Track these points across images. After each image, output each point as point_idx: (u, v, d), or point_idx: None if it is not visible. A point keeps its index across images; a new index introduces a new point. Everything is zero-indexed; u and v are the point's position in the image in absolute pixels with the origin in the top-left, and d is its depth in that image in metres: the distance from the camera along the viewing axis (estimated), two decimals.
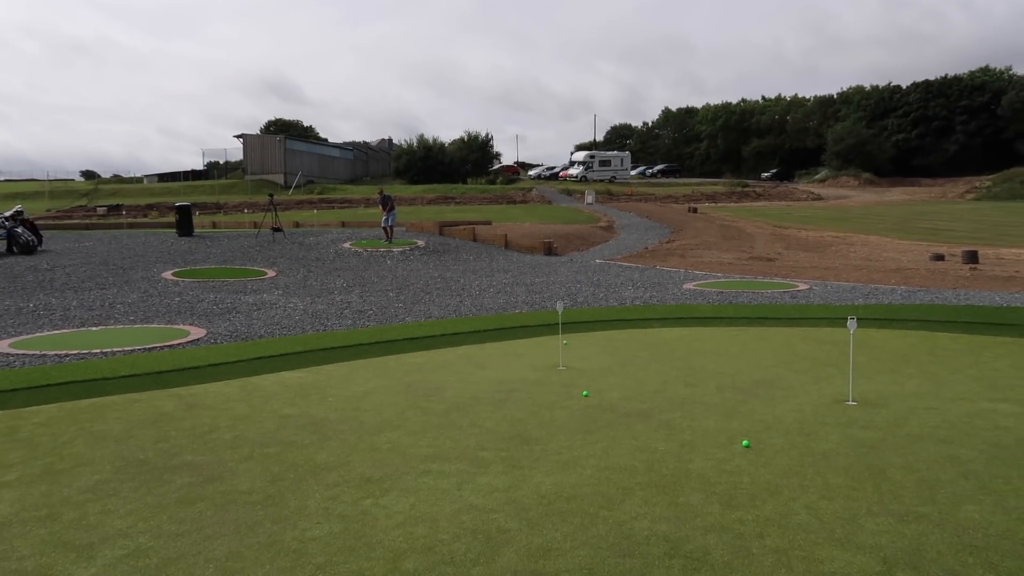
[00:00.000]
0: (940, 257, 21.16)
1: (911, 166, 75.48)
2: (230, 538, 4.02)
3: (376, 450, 5.46)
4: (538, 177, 74.75)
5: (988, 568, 3.54)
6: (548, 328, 10.56)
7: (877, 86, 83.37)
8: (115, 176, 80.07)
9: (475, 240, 25.62)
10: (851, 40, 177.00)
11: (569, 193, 54.63)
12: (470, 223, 29.03)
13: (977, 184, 60.94)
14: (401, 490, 4.66)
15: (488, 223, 29.96)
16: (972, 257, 20.14)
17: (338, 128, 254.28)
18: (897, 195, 60.65)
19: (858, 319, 7.31)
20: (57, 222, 35.29)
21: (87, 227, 31.63)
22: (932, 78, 78.64)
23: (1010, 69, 77.13)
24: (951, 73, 78.47)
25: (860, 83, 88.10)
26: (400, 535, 4.01)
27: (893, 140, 76.48)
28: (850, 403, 6.51)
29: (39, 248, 20.97)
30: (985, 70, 78.12)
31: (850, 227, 33.09)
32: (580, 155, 72.49)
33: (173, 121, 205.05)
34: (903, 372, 7.73)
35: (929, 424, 5.86)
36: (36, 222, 23.71)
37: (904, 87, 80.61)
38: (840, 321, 10.31)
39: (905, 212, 43.10)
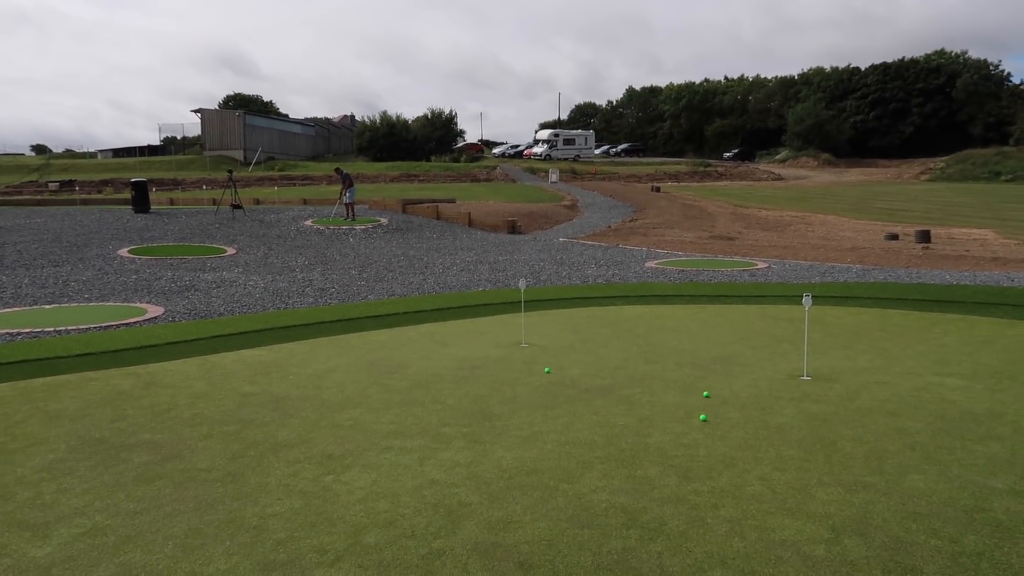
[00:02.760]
0: (894, 237, 21.66)
1: (868, 147, 76.79)
2: (189, 515, 4.00)
3: (338, 427, 5.46)
4: (502, 155, 74.46)
5: (930, 534, 3.69)
6: (511, 306, 10.60)
7: (837, 68, 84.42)
8: (67, 151, 77.76)
9: (439, 218, 25.50)
10: (806, 22, 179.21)
11: (533, 171, 54.59)
12: (434, 201, 28.86)
13: (931, 165, 62.26)
14: (362, 466, 4.68)
15: (452, 201, 29.83)
16: (925, 237, 20.65)
17: (295, 103, 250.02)
18: (855, 176, 61.73)
19: (814, 297, 7.47)
20: (6, 198, 34.21)
21: (39, 203, 30.74)
22: (890, 60, 79.94)
23: (965, 53, 78.72)
24: (907, 56, 79.88)
25: (818, 65, 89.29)
26: (361, 510, 4.03)
27: (851, 121, 77.65)
28: (804, 378, 6.68)
29: None
30: (941, 53, 79.53)
31: (809, 207, 33.65)
32: (544, 133, 72.31)
33: (124, 95, 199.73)
34: (856, 348, 7.94)
35: (879, 398, 6.04)
36: None
37: (863, 69, 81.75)
38: (797, 299, 10.52)
39: (862, 192, 43.94)
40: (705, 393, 6.15)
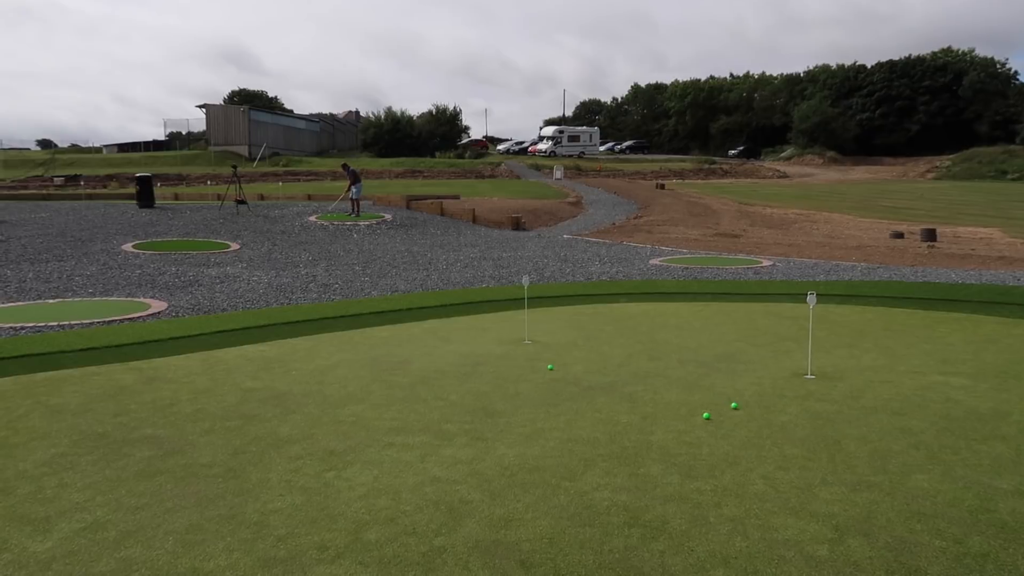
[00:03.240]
0: (900, 235, 21.58)
1: (874, 145, 76.46)
2: (190, 511, 4.00)
3: (340, 423, 5.44)
4: (507, 152, 74.33)
5: (934, 534, 3.66)
6: (514, 303, 10.58)
7: (843, 65, 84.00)
8: (73, 145, 77.79)
9: (443, 214, 25.47)
10: (810, 19, 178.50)
11: (538, 168, 54.50)
12: (438, 197, 28.83)
13: (937, 164, 62.00)
14: (364, 462, 4.66)
15: (456, 197, 29.79)
16: (930, 235, 20.57)
17: (299, 99, 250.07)
18: (860, 174, 61.51)
19: (819, 295, 7.44)
20: (12, 192, 34.27)
21: (44, 198, 30.77)
22: (896, 58, 79.57)
23: (972, 50, 78.28)
24: (913, 54, 79.45)
25: (824, 62, 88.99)
26: (362, 507, 4.02)
27: (857, 119, 77.28)
28: (808, 377, 6.64)
29: None
30: (947, 51, 79.11)
31: (814, 205, 33.53)
32: (549, 130, 72.18)
33: (128, 90, 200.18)
34: (860, 347, 7.90)
35: (883, 397, 6.01)
36: None
37: (869, 67, 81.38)
38: (801, 297, 10.46)
39: (867, 191, 43.78)
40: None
